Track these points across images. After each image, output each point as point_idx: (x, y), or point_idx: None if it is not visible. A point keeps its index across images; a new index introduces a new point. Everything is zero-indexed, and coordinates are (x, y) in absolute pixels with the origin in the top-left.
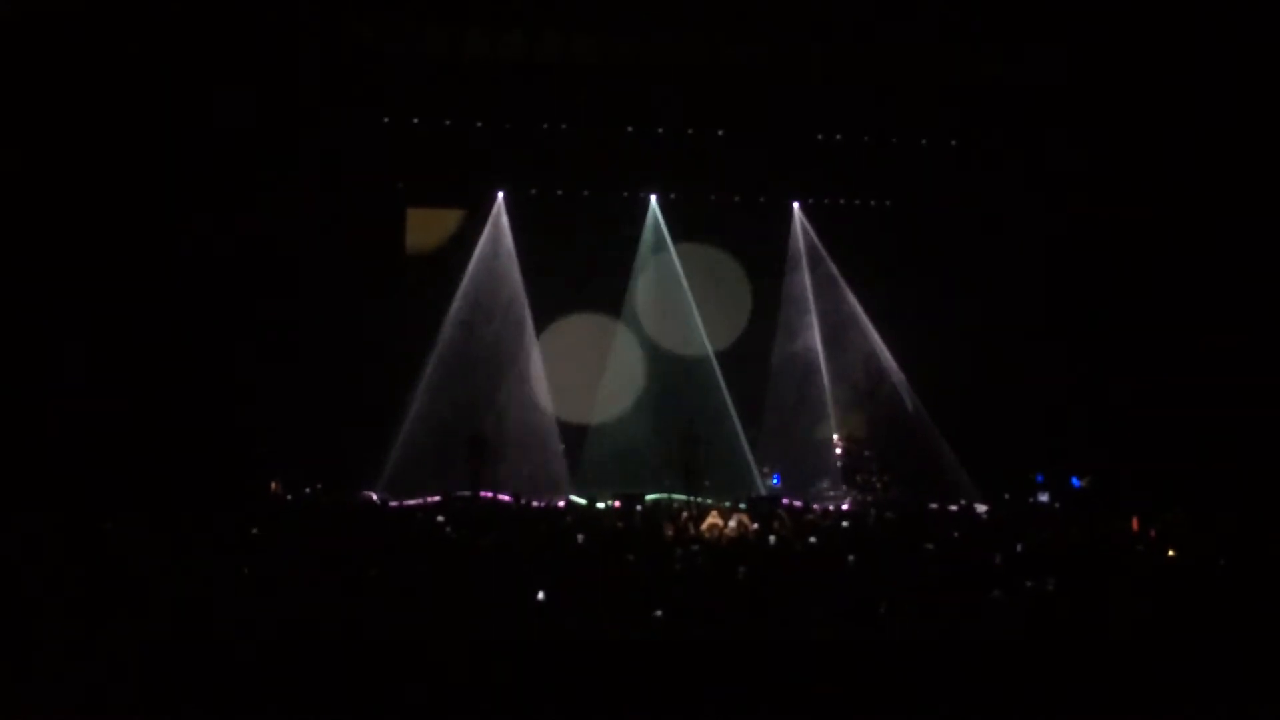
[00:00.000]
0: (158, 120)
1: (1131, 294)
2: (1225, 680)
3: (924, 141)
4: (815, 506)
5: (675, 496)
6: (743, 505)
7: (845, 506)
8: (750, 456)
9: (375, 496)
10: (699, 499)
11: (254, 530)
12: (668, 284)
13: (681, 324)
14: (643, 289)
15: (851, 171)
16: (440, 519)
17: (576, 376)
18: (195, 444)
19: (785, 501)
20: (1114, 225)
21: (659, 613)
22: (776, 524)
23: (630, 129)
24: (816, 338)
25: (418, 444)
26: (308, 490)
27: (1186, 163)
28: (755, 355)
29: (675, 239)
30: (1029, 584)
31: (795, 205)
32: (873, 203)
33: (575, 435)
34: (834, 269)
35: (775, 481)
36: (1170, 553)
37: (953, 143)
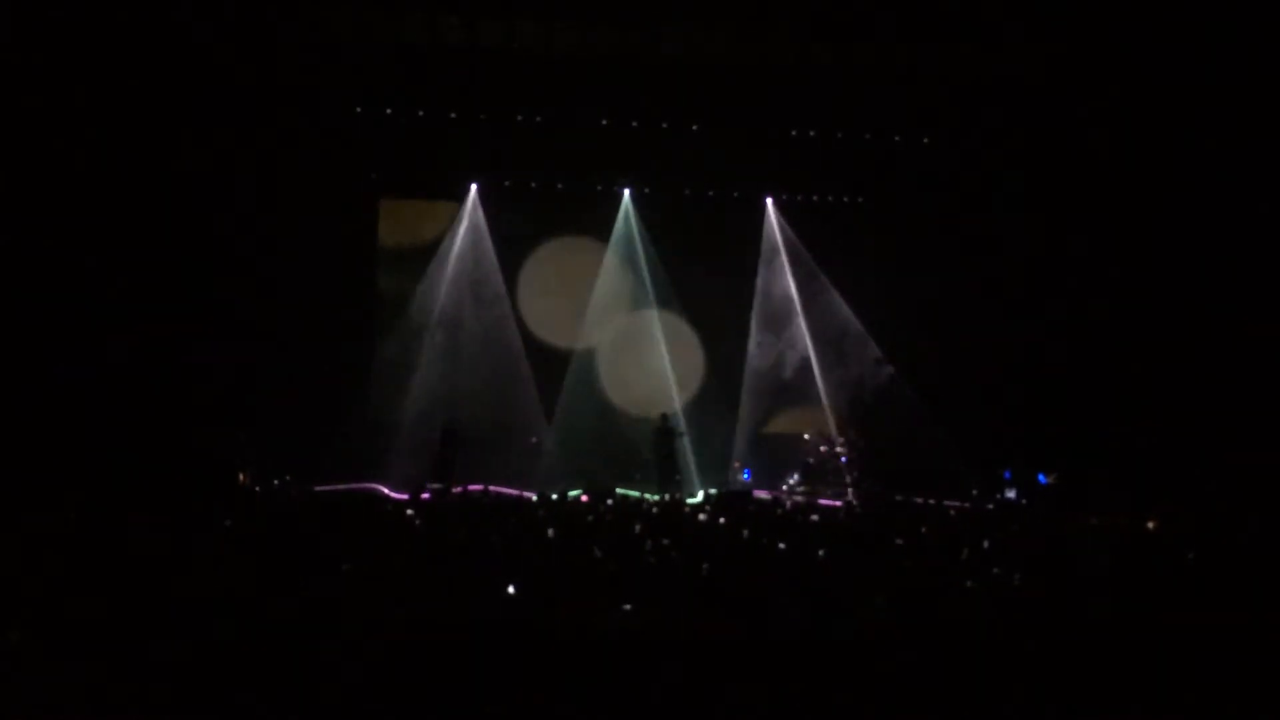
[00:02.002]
0: (123, 110)
1: (1106, 291)
2: (1196, 674)
3: (897, 138)
4: (786, 501)
5: (647, 496)
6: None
7: (818, 501)
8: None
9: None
10: (670, 494)
11: (226, 522)
12: (638, 277)
13: (650, 318)
14: (613, 282)
15: (825, 167)
16: (409, 512)
17: (547, 368)
18: (162, 435)
19: (756, 495)
20: (1093, 221)
21: (628, 606)
22: None
23: (605, 122)
24: (792, 332)
25: (392, 436)
26: (276, 483)
27: (1172, 157)
28: (730, 348)
29: (648, 232)
30: (995, 572)
31: (768, 200)
32: (846, 198)
33: (546, 427)
34: (808, 263)
35: (746, 476)
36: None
37: (925, 140)
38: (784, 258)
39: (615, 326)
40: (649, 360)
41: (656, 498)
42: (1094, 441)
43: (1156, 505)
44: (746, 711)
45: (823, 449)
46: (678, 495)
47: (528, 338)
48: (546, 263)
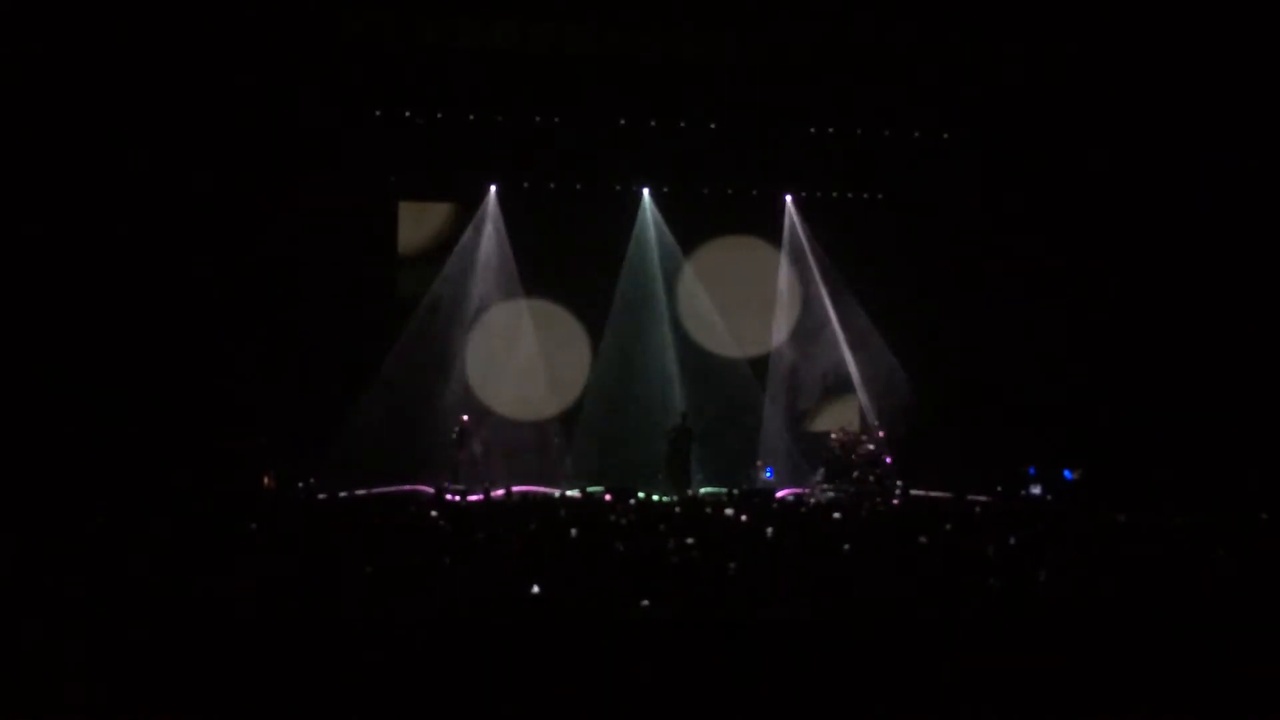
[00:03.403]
0: (142, 114)
1: (1127, 288)
2: (1218, 673)
3: (916, 134)
4: (810, 499)
5: (667, 498)
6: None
7: (842, 499)
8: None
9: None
10: (684, 494)
11: (251, 525)
12: (659, 277)
13: (671, 318)
14: (634, 282)
15: (844, 165)
16: (434, 513)
17: (567, 369)
18: (186, 439)
19: (779, 494)
20: (1108, 219)
21: (646, 602)
22: None
23: (623, 122)
24: (813, 330)
25: (416, 437)
26: (300, 485)
27: (1181, 156)
28: (751, 347)
29: (668, 232)
30: (1021, 574)
31: (788, 198)
32: (865, 196)
33: (566, 428)
34: (827, 261)
35: (769, 475)
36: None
37: (945, 135)
38: (807, 256)
39: (634, 326)
40: (662, 361)
41: (672, 499)
42: (1119, 438)
43: (1182, 501)
44: (760, 708)
45: (846, 446)
46: (691, 494)
47: (548, 338)
48: (567, 263)
